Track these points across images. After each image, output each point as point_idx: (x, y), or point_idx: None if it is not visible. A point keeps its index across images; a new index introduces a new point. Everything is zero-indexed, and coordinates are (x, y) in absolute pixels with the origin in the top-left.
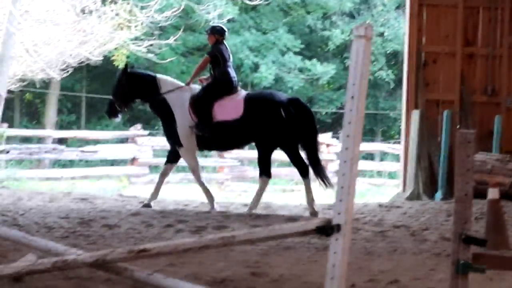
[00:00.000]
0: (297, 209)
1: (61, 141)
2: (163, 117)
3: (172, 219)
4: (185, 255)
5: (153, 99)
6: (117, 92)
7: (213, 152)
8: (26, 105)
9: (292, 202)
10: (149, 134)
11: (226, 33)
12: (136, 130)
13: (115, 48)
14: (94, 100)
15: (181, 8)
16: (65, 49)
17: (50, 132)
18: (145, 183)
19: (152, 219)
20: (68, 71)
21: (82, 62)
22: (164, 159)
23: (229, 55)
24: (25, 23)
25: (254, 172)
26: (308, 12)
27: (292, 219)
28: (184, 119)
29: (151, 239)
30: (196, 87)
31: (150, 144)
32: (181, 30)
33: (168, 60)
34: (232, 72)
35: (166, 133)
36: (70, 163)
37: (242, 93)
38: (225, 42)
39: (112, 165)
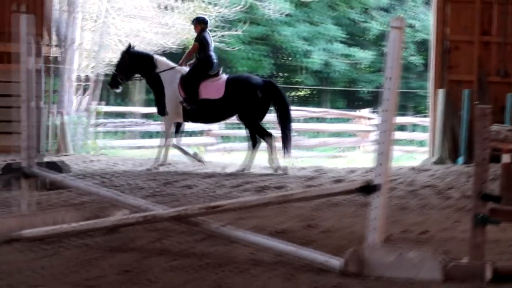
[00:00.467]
0: (343, 171)
1: (147, 116)
2: (155, 91)
3: (240, 180)
4: (251, 210)
5: (149, 76)
6: (120, 68)
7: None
8: None
9: (339, 166)
10: None
11: (209, 23)
12: None
13: (192, 39)
14: None
15: (246, 5)
16: (151, 40)
17: (139, 109)
18: (217, 150)
19: (223, 180)
20: None
21: (165, 51)
22: (232, 131)
23: (211, 41)
24: (118, 18)
25: (308, 141)
26: (351, 8)
27: (339, 180)
28: (173, 94)
29: (223, 197)
30: (185, 69)
31: None
32: (247, 23)
33: (236, 48)
34: (213, 55)
35: (156, 104)
36: (156, 134)
37: (224, 76)
38: (207, 30)
39: (190, 136)
